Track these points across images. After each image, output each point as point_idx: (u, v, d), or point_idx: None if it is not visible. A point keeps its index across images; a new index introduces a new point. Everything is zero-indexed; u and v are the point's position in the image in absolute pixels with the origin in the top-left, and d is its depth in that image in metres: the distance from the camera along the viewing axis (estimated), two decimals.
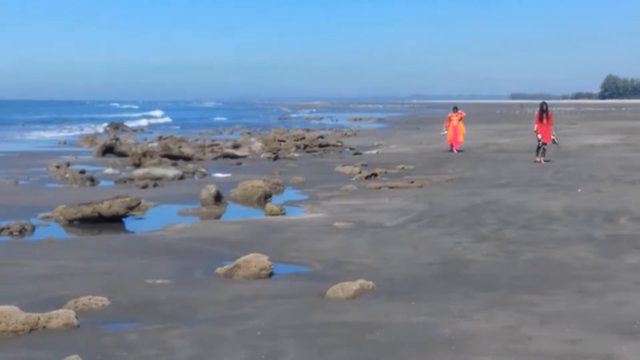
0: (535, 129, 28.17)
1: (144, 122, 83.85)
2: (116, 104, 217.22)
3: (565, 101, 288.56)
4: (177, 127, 70.14)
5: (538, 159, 27.33)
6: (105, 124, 67.60)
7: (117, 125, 63.93)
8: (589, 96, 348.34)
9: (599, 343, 7.21)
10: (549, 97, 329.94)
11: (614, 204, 16.66)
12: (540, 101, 32.14)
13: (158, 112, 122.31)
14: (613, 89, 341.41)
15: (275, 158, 31.45)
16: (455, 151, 33.46)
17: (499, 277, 10.08)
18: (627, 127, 55.82)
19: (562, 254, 11.49)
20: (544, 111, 28.04)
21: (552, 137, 28.08)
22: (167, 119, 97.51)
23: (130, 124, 73.05)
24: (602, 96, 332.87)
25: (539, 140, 27.71)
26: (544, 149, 27.66)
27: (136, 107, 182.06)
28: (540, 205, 16.75)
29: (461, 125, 34.44)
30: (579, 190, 19.29)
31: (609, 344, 7.16)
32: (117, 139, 37.21)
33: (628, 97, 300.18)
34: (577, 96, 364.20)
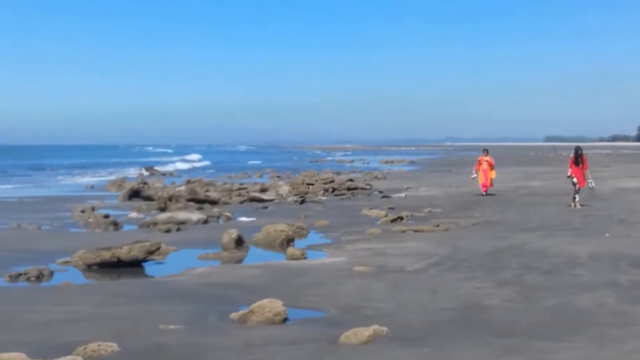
0: (569, 173, 27.79)
1: (183, 166, 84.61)
2: (150, 148, 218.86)
3: (601, 143, 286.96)
4: (212, 171, 70.52)
5: (572, 204, 26.92)
6: (134, 168, 68.13)
7: (147, 169, 64.32)
8: (626, 139, 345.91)
9: None
10: (585, 140, 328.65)
11: None
12: (575, 144, 31.84)
13: (195, 156, 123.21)
14: None
15: (302, 201, 31.38)
16: (484, 194, 33.15)
17: (517, 323, 9.88)
18: None
19: (584, 300, 11.26)
20: (578, 155, 27.71)
21: (588, 180, 27.74)
22: (206, 162, 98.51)
23: (169, 168, 73.73)
24: (639, 139, 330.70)
25: (575, 185, 27.32)
26: (578, 192, 27.24)
27: (170, 150, 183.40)
28: (565, 249, 16.49)
29: (491, 171, 34.10)
30: (607, 234, 18.99)
31: None
32: (145, 183, 37.37)
33: None
34: (614, 139, 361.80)
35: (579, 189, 27.23)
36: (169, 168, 78.11)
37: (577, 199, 27.04)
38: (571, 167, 27.73)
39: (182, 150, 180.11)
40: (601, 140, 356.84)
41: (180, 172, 67.56)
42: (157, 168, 70.73)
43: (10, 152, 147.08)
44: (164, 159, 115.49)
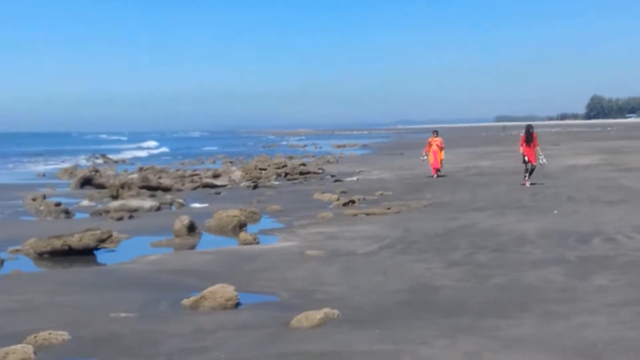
0: (521, 151, 28.10)
1: (141, 154, 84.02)
2: (104, 135, 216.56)
3: (550, 122, 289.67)
4: (169, 158, 70.18)
5: (525, 182, 27.25)
6: (86, 156, 67.49)
7: (99, 157, 63.76)
8: (575, 117, 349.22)
9: None
10: (534, 119, 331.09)
11: (589, 225, 16.63)
12: (525, 123, 32.16)
13: (152, 143, 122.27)
14: (598, 109, 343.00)
15: (255, 187, 31.38)
16: (435, 176, 33.31)
17: (466, 303, 10.01)
18: (610, 147, 55.95)
19: (532, 277, 11.44)
20: (529, 133, 27.97)
21: (539, 157, 28.09)
22: (164, 149, 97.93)
23: (127, 155, 73.26)
24: (587, 116, 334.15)
25: (526, 163, 27.65)
26: (532, 171, 27.60)
27: (124, 138, 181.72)
28: (514, 228, 16.71)
29: (441, 152, 34.27)
30: (555, 212, 19.26)
31: None
32: (97, 171, 37.13)
33: (613, 117, 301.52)
34: (563, 117, 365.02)
35: (531, 166, 27.53)
36: (127, 155, 77.65)
37: (527, 177, 27.38)
38: (522, 145, 28.00)
39: (136, 137, 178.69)
40: (550, 119, 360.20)
41: (137, 160, 66.75)
42: (111, 156, 70.10)
43: None
44: (118, 146, 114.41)
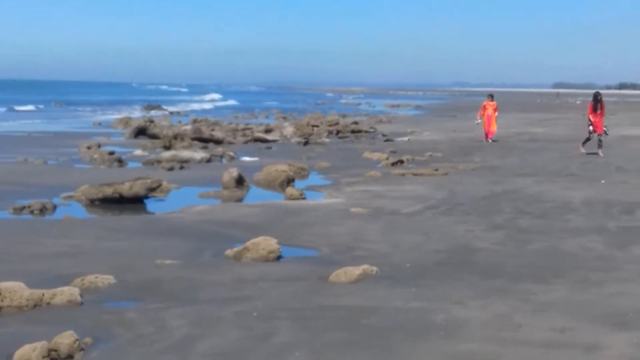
0: (589, 120, 27.43)
1: (207, 106, 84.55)
2: (164, 87, 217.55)
3: (608, 91, 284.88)
4: (233, 111, 70.19)
5: (583, 150, 26.66)
6: (141, 106, 68.12)
7: (153, 107, 64.29)
8: (634, 87, 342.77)
9: (588, 333, 7.27)
10: (593, 87, 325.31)
11: (635, 196, 16.57)
12: (583, 91, 31.46)
13: (216, 95, 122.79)
14: None
15: (306, 143, 31.59)
16: (489, 141, 33.05)
17: (503, 266, 10.13)
18: None
19: (571, 245, 11.50)
20: (597, 101, 27.30)
21: (604, 128, 27.29)
22: (232, 102, 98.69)
23: (195, 107, 74.07)
24: None
25: (590, 132, 27.04)
26: (600, 140, 26.82)
27: (185, 90, 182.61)
28: (560, 195, 16.71)
29: (495, 116, 33.85)
30: (603, 181, 19.19)
31: (597, 334, 7.22)
32: (151, 121, 37.56)
33: None
34: (621, 86, 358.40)
35: (599, 135, 26.81)
36: (194, 107, 78.61)
37: (598, 146, 26.39)
38: (590, 113, 27.30)
39: (195, 89, 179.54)
40: (608, 87, 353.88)
41: (204, 113, 66.16)
42: (171, 108, 70.55)
43: (30, 87, 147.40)
44: (178, 97, 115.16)
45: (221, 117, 54.20)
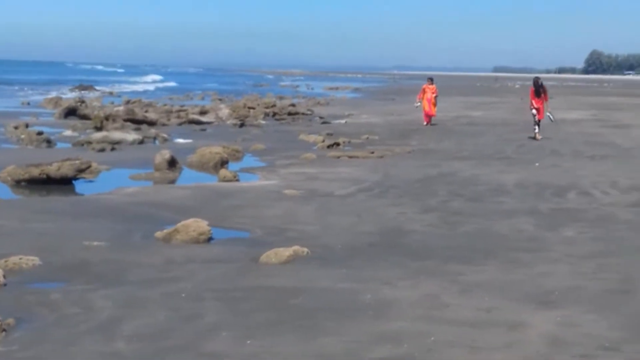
0: (532, 104, 27.42)
1: (150, 87, 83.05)
2: (100, 67, 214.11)
3: (547, 75, 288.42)
4: (172, 92, 69.23)
5: (535, 136, 26.61)
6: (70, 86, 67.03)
7: (86, 87, 63.27)
8: (573, 71, 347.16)
9: (514, 311, 7.32)
10: (532, 71, 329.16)
11: (567, 178, 16.74)
12: (533, 75, 31.38)
13: (156, 77, 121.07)
14: (597, 64, 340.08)
15: (242, 125, 31.37)
16: (427, 124, 32.96)
17: (434, 248, 10.16)
18: (603, 103, 55.73)
19: (502, 226, 11.58)
20: (539, 86, 27.23)
21: (547, 113, 27.30)
22: (172, 83, 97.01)
23: (137, 88, 72.98)
24: (585, 71, 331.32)
25: (534, 116, 27.03)
26: (539, 125, 26.94)
27: (121, 70, 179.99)
28: (494, 178, 16.82)
29: (435, 99, 33.75)
30: (537, 164, 19.37)
31: (522, 313, 7.27)
32: (82, 102, 36.95)
33: (612, 73, 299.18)
34: (561, 70, 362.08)
35: (538, 120, 26.95)
36: (137, 87, 77.46)
37: (537, 130, 26.70)
38: (533, 98, 27.12)
39: (131, 70, 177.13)
40: (548, 71, 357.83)
41: (145, 94, 65.03)
42: (106, 89, 69.60)
43: None
44: (115, 78, 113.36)
45: (156, 98, 53.53)
